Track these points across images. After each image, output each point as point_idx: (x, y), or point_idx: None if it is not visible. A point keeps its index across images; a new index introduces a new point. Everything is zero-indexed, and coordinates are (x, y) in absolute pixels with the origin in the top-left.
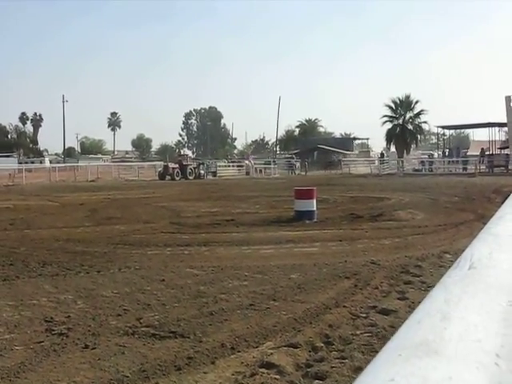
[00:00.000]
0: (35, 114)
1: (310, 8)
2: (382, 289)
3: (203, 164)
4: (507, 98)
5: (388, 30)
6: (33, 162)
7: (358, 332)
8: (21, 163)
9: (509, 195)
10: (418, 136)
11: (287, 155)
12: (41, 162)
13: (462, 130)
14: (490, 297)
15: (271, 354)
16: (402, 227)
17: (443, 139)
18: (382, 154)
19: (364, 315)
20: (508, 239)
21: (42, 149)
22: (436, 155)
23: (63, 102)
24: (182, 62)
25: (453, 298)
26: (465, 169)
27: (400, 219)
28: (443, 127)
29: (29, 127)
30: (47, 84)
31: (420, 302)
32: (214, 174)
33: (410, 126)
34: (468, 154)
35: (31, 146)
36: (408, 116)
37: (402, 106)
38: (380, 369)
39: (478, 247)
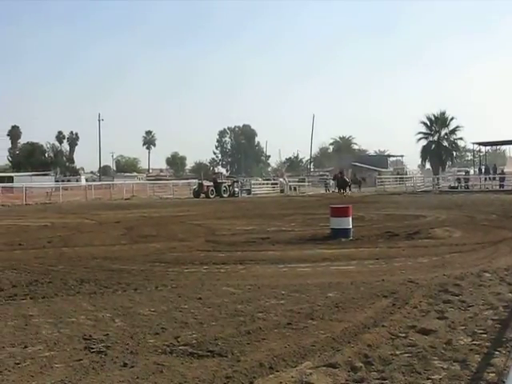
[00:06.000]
0: (71, 132)
1: (341, 26)
2: (421, 308)
3: (237, 182)
4: None
5: (423, 46)
6: (69, 181)
7: (397, 352)
8: (57, 181)
9: None
10: (454, 153)
11: (321, 173)
12: (77, 181)
13: (499, 147)
14: None
15: (310, 373)
16: (440, 245)
17: (479, 156)
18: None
19: (403, 335)
20: None
21: (78, 167)
22: (472, 172)
23: (99, 120)
24: (213, 80)
25: None
26: (502, 186)
27: (437, 237)
28: (479, 144)
29: (65, 146)
30: (83, 103)
31: (460, 322)
32: (249, 191)
33: (445, 143)
34: (505, 170)
35: (67, 164)
36: (443, 132)
37: (437, 122)
38: None
39: None
